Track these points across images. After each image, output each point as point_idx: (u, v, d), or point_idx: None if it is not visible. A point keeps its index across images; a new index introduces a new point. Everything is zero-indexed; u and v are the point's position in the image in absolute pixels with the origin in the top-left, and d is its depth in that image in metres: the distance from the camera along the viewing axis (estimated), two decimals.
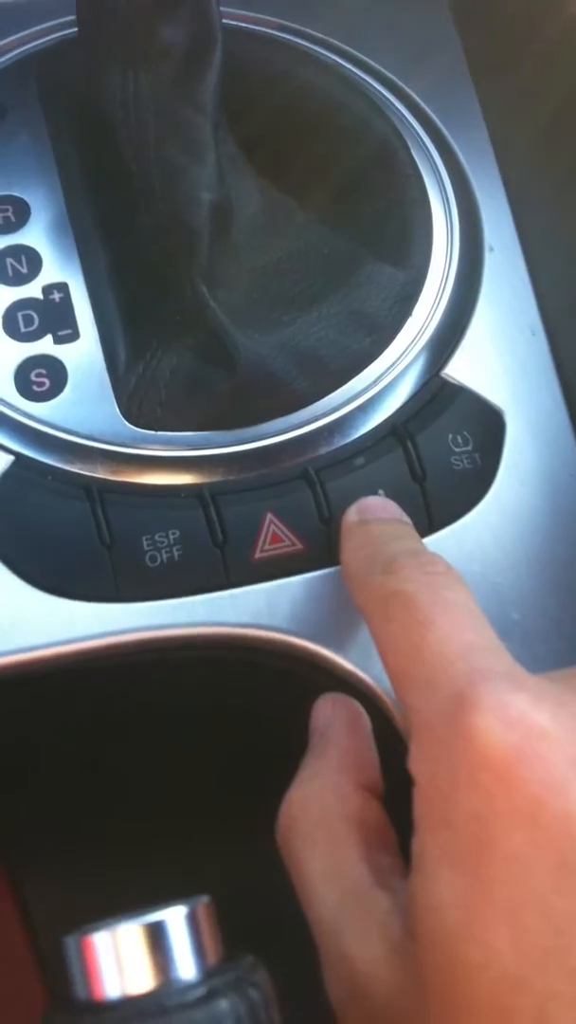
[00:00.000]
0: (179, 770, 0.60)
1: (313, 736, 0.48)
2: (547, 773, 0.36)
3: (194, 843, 0.60)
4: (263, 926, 0.45)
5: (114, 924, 0.39)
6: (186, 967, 0.39)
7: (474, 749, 0.36)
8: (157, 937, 0.39)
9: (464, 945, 0.36)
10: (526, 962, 0.35)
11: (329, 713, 0.48)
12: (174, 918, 0.39)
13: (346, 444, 0.52)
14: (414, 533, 0.49)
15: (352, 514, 0.49)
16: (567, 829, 0.35)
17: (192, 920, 0.39)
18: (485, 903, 0.36)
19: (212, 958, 0.40)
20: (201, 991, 0.38)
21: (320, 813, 0.44)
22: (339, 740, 0.47)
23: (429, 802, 0.38)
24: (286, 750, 0.47)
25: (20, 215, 0.53)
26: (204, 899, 0.41)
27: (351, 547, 0.48)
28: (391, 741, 0.47)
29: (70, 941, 0.39)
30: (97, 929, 0.39)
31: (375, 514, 0.49)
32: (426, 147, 0.57)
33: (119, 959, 0.39)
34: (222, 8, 0.52)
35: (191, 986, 0.38)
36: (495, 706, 0.37)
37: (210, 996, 0.38)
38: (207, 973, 0.39)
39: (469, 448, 0.52)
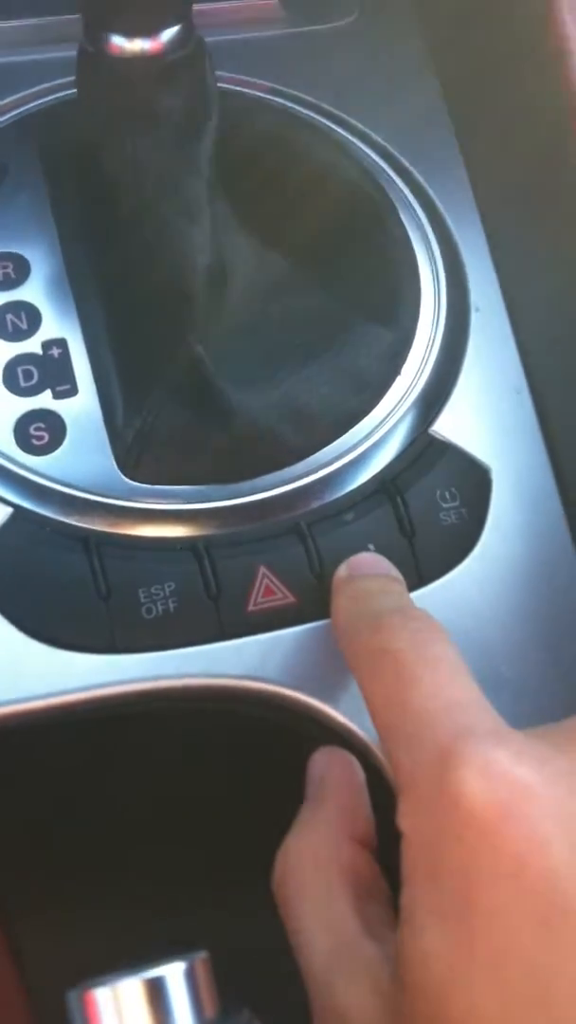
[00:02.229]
0: (174, 820, 0.60)
1: (309, 788, 0.49)
2: (530, 830, 0.36)
3: (189, 893, 0.60)
4: (258, 978, 0.45)
5: (115, 979, 0.39)
6: (184, 1021, 0.40)
7: (459, 806, 0.37)
8: (157, 992, 0.40)
9: (449, 997, 0.36)
10: (509, 1015, 0.36)
11: (324, 766, 0.49)
12: (173, 973, 0.40)
13: (337, 499, 0.52)
14: (402, 589, 0.50)
15: (342, 571, 0.50)
16: (550, 885, 0.36)
17: (191, 975, 0.40)
18: (470, 956, 0.36)
19: (209, 1012, 0.40)
20: None
21: (314, 864, 0.45)
22: (334, 793, 0.48)
23: (416, 856, 0.39)
24: (281, 801, 0.48)
25: (20, 271, 0.54)
26: (202, 954, 0.41)
27: (340, 603, 0.49)
28: (382, 793, 0.47)
29: (72, 996, 0.40)
30: (98, 984, 0.39)
31: (365, 570, 0.50)
32: (413, 208, 0.58)
33: (120, 1014, 0.39)
34: (217, 72, 0.53)
35: None
36: (479, 763, 0.37)
37: None
38: None
39: (456, 504, 0.53)
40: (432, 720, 0.40)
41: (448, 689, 0.41)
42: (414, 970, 0.38)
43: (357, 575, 0.50)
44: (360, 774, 0.49)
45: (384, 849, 0.46)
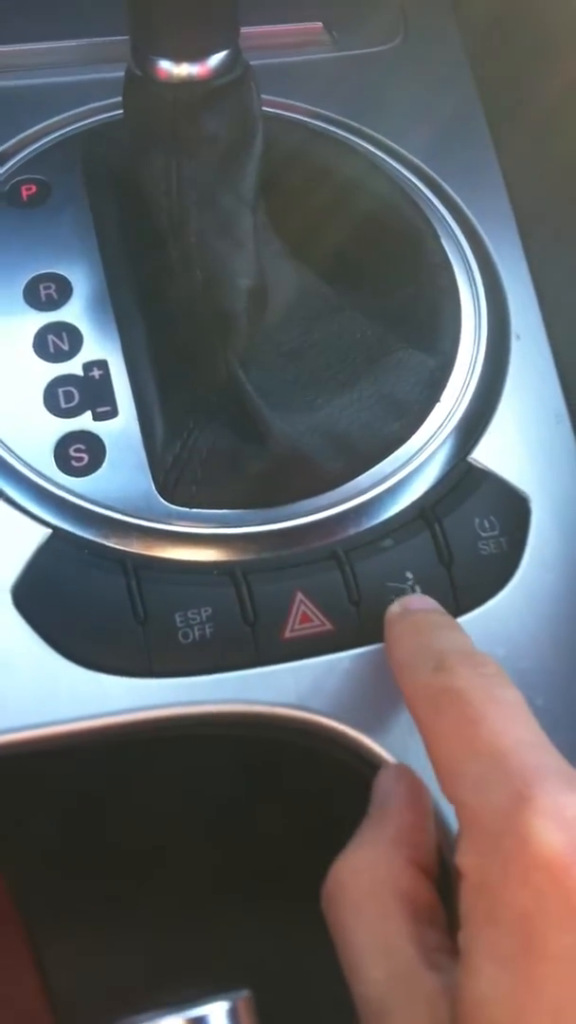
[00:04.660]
0: (209, 846, 0.60)
1: (373, 804, 0.47)
2: None
3: (228, 921, 0.59)
4: (300, 1014, 0.44)
5: (157, 1017, 0.39)
6: None
7: (528, 848, 0.36)
8: None
9: None
10: None
11: (391, 785, 0.48)
12: (216, 1013, 0.39)
13: (374, 525, 0.52)
14: (458, 624, 0.49)
15: (395, 607, 0.50)
16: None
17: (234, 1016, 0.40)
18: (531, 1002, 0.36)
19: None
20: None
21: (371, 884, 0.44)
22: (397, 813, 0.46)
23: (477, 897, 0.38)
24: (321, 828, 0.47)
25: (62, 292, 0.54)
26: (245, 993, 0.41)
27: (396, 634, 0.48)
28: None
29: None
30: (140, 1021, 0.39)
31: (418, 607, 0.50)
32: (455, 234, 0.58)
33: None
34: (262, 95, 0.53)
35: None
36: (550, 807, 0.37)
37: None
38: None
39: (496, 533, 0.53)
40: (500, 759, 0.39)
41: (515, 729, 0.41)
42: (472, 1013, 0.37)
43: (413, 608, 0.49)
44: (428, 796, 0.48)
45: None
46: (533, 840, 0.36)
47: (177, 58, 0.49)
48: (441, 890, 0.44)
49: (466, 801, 0.40)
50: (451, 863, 0.40)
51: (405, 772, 0.48)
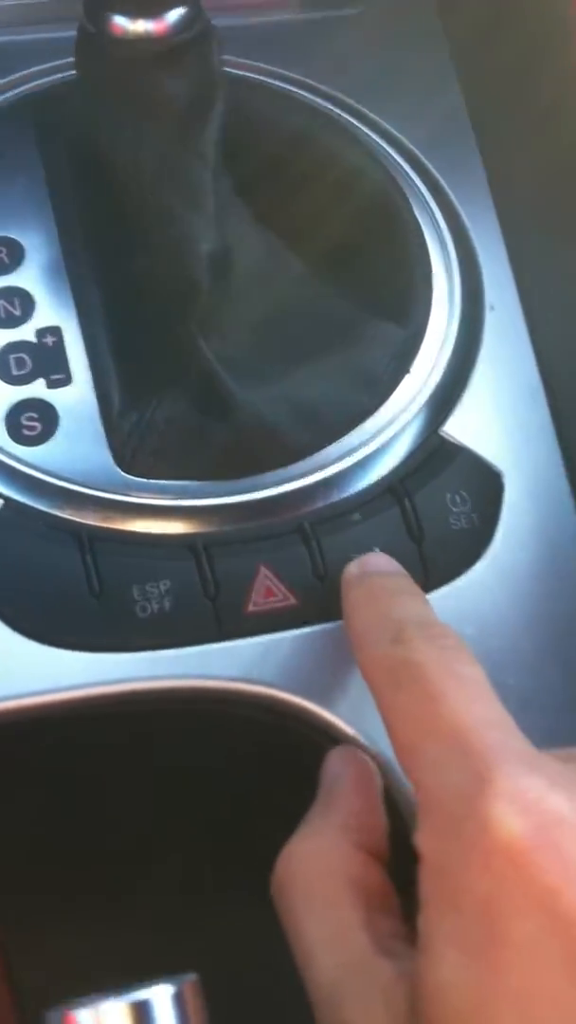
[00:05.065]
0: (165, 832, 0.58)
1: (322, 788, 0.46)
2: (563, 862, 0.34)
3: (183, 908, 0.58)
4: (251, 1000, 0.43)
5: (98, 1001, 0.38)
6: None
7: (488, 833, 0.35)
8: (142, 1016, 0.38)
9: None
10: None
11: (338, 768, 0.47)
12: (160, 997, 0.38)
13: (343, 499, 0.51)
14: (418, 589, 0.48)
15: (353, 567, 0.48)
16: None
17: (179, 1000, 0.38)
18: (494, 990, 0.34)
19: None
20: None
21: (320, 872, 0.42)
22: (346, 797, 0.46)
23: (437, 881, 0.37)
24: (282, 811, 0.46)
25: (14, 256, 0.52)
26: (191, 977, 0.40)
27: (354, 600, 0.47)
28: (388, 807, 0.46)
29: (52, 1016, 0.38)
30: (81, 1005, 0.38)
31: (378, 569, 0.48)
32: (428, 204, 0.57)
33: None
34: (223, 57, 0.52)
35: None
36: (512, 790, 0.36)
37: None
38: None
39: (467, 508, 0.51)
40: (460, 740, 0.38)
41: (477, 708, 0.39)
42: (433, 1001, 0.36)
43: (372, 571, 0.48)
44: (378, 778, 0.47)
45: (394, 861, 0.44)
46: (493, 824, 0.35)
47: (133, 14, 0.47)
48: (396, 872, 0.42)
49: (425, 782, 0.38)
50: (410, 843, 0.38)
51: (354, 754, 0.47)
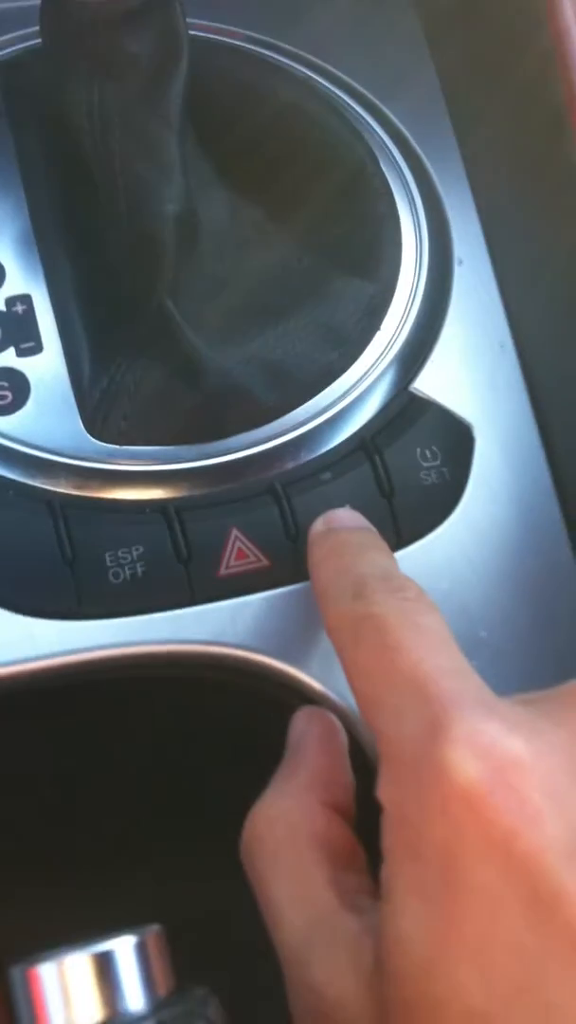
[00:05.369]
0: (134, 790, 0.59)
1: (287, 750, 0.47)
2: (520, 804, 0.35)
3: (149, 866, 0.58)
4: (221, 954, 0.44)
5: (61, 954, 0.38)
6: (135, 999, 0.38)
7: (445, 778, 0.35)
8: (105, 968, 0.38)
9: (431, 980, 0.35)
10: (493, 999, 0.34)
11: (303, 727, 0.47)
12: (123, 948, 0.38)
13: (313, 459, 0.51)
14: (383, 543, 0.48)
15: (319, 524, 0.48)
16: (540, 863, 0.34)
17: (142, 950, 0.39)
18: (453, 937, 0.35)
19: (162, 990, 0.39)
20: None
21: (285, 832, 0.43)
22: (310, 756, 0.46)
23: (398, 831, 0.37)
24: (247, 771, 0.46)
25: None
26: (154, 928, 0.40)
27: (318, 557, 0.47)
28: (357, 762, 0.46)
29: (15, 971, 0.38)
30: (43, 959, 0.38)
31: (343, 524, 0.48)
32: (395, 159, 0.56)
33: (65, 990, 0.38)
34: (189, 19, 0.52)
35: (140, 1018, 0.37)
36: (467, 734, 0.36)
37: None
38: (156, 1005, 0.38)
39: (437, 463, 0.51)
40: (417, 688, 0.38)
41: (435, 657, 0.39)
42: (394, 952, 0.36)
43: (337, 527, 0.48)
44: (342, 736, 0.47)
45: (360, 822, 0.44)
46: (449, 769, 0.35)
47: None
48: (366, 829, 0.42)
49: (384, 731, 0.39)
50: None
51: (318, 713, 0.47)
